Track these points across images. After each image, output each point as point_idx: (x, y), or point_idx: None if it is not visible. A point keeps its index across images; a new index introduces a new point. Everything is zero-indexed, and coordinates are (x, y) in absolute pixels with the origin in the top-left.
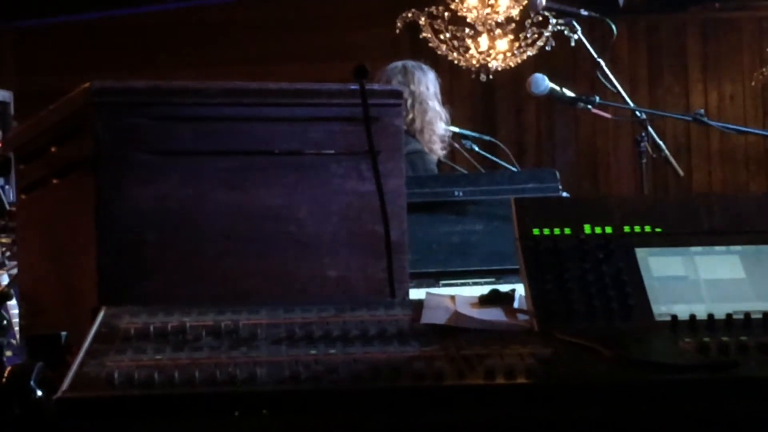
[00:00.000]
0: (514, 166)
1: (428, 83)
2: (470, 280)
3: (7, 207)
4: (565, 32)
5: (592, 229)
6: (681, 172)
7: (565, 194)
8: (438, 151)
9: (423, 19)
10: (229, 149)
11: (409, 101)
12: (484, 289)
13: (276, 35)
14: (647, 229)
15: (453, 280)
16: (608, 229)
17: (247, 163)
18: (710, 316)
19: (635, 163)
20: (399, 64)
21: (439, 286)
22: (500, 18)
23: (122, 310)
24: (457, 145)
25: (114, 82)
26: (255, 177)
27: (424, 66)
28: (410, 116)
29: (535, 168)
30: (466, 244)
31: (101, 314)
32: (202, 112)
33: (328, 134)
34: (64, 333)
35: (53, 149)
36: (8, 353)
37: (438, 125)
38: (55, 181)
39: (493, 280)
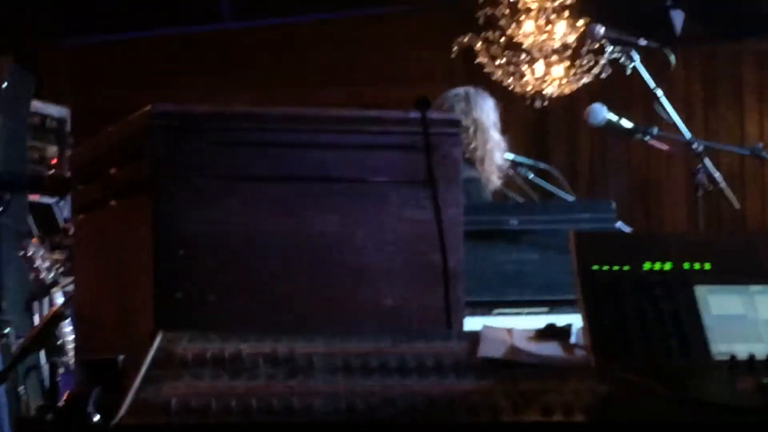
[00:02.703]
0: (568, 193)
1: (489, 111)
2: (524, 310)
3: (61, 225)
4: (621, 60)
5: (651, 266)
6: (737, 205)
7: (619, 224)
8: (495, 181)
9: (479, 44)
10: (288, 175)
11: (471, 129)
12: (538, 320)
13: (332, 57)
14: (707, 266)
15: (506, 310)
16: (667, 266)
17: (304, 190)
18: None
19: (688, 192)
20: (461, 90)
21: (492, 315)
22: (556, 44)
23: (179, 335)
24: (511, 173)
25: (174, 105)
26: (312, 203)
27: (484, 93)
28: (472, 145)
29: (588, 197)
30: (520, 274)
31: (158, 338)
32: (262, 137)
33: (387, 162)
34: (121, 357)
35: (112, 170)
36: (60, 370)
37: (497, 155)
38: (113, 202)
39: (546, 310)
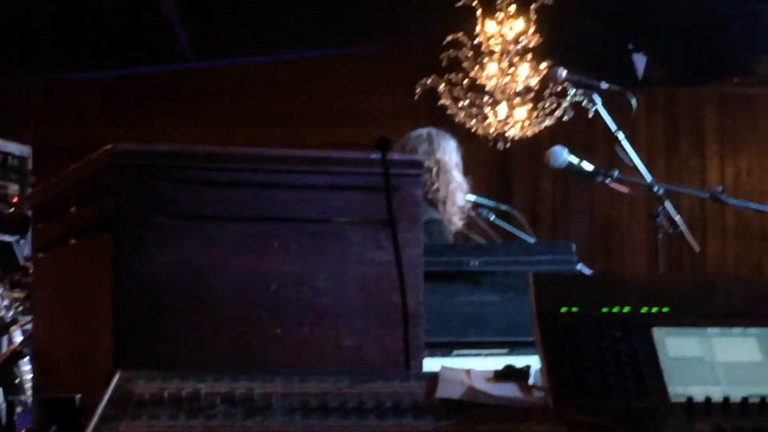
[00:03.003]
0: (529, 235)
1: (452, 152)
2: (484, 351)
3: (22, 263)
4: (584, 103)
5: (610, 308)
6: (697, 248)
7: (580, 266)
8: (457, 222)
9: (442, 86)
10: (249, 215)
11: (434, 170)
12: (498, 361)
13: (296, 97)
14: (664, 309)
15: (466, 351)
16: (625, 309)
17: (266, 230)
18: (726, 399)
19: (649, 235)
20: (424, 132)
21: (452, 357)
22: (519, 87)
23: (137, 374)
24: (473, 214)
25: (136, 144)
26: (273, 243)
27: (447, 134)
28: (435, 186)
29: (550, 239)
30: (480, 315)
31: (116, 378)
32: (223, 177)
33: (348, 202)
34: (78, 396)
35: (73, 209)
36: (18, 409)
37: (459, 196)
38: (73, 240)
39: (506, 351)
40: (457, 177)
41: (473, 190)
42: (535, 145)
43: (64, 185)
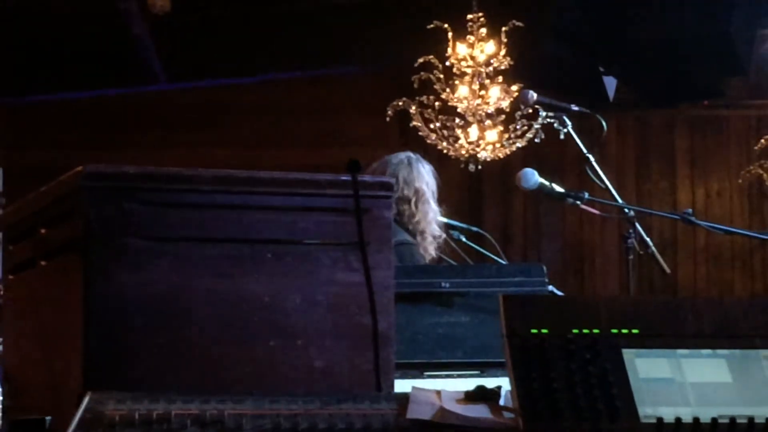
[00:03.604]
0: (501, 257)
1: (430, 180)
2: (455, 372)
3: None
4: (555, 125)
5: (580, 330)
6: (668, 270)
7: (551, 288)
8: (432, 251)
9: (413, 107)
10: (219, 237)
11: (413, 200)
12: (469, 382)
13: (267, 119)
14: (634, 330)
15: (437, 372)
16: (595, 330)
17: (235, 252)
18: (696, 419)
19: (621, 257)
20: (403, 157)
21: (423, 378)
22: (490, 109)
23: (107, 395)
24: (444, 237)
25: (106, 166)
26: (243, 265)
27: (422, 159)
28: (416, 218)
29: (521, 261)
30: (451, 336)
31: (86, 399)
32: (193, 199)
33: (318, 224)
34: (48, 418)
35: (43, 231)
36: None
37: (434, 225)
38: (43, 262)
39: (478, 372)
40: (433, 205)
41: (445, 212)
42: (506, 167)
43: (35, 206)
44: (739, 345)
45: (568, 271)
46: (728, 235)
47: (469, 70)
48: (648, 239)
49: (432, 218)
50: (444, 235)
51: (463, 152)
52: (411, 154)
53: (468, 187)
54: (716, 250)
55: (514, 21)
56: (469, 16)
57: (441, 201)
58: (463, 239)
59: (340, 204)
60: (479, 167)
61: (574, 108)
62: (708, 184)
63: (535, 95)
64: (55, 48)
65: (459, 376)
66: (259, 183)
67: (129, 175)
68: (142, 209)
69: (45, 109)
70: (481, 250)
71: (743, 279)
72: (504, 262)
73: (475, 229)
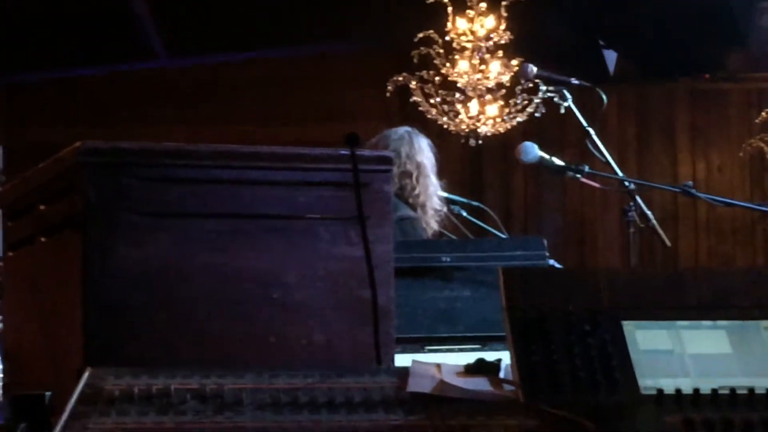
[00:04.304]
0: (501, 232)
1: (429, 154)
2: (456, 347)
3: None
4: (555, 100)
5: (580, 303)
6: (668, 243)
7: (552, 262)
8: (434, 224)
9: (414, 83)
10: (218, 212)
11: (415, 174)
12: (470, 356)
13: (267, 96)
14: (634, 303)
15: (438, 346)
16: (595, 303)
17: (235, 226)
18: (696, 391)
19: (622, 231)
20: (402, 132)
21: (424, 352)
22: (491, 84)
23: (107, 371)
24: (445, 210)
25: (104, 142)
26: (243, 240)
27: (422, 134)
28: (417, 191)
29: (522, 235)
30: (452, 311)
31: (86, 375)
32: (192, 174)
33: (317, 199)
34: (48, 393)
35: (42, 207)
36: None
37: (435, 199)
38: (42, 239)
39: (478, 346)
40: (434, 179)
41: (446, 186)
42: (507, 142)
43: (34, 184)
44: (739, 316)
45: (569, 245)
46: (729, 207)
47: (469, 45)
48: (649, 212)
49: (433, 192)
50: (445, 209)
51: (464, 127)
52: (410, 129)
53: (469, 161)
54: (717, 223)
55: None
56: None
57: (442, 176)
58: (464, 214)
59: (339, 178)
60: (480, 142)
61: (574, 81)
62: (709, 157)
63: (534, 69)
64: (55, 25)
65: (460, 350)
66: (258, 158)
67: (127, 150)
68: (141, 185)
69: (45, 86)
70: (482, 224)
71: (744, 252)
72: (505, 236)
73: (475, 203)
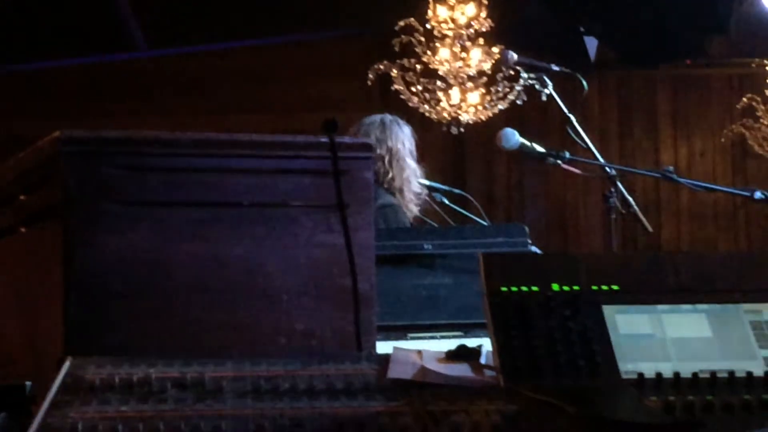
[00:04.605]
0: (483, 219)
1: (404, 139)
2: (438, 334)
3: None
4: (536, 87)
5: (560, 287)
6: (650, 229)
7: (534, 249)
8: (414, 209)
9: (395, 71)
10: (198, 200)
11: (387, 158)
12: (452, 343)
13: (248, 85)
14: (614, 287)
15: (421, 334)
16: (576, 287)
17: (215, 215)
18: (676, 374)
19: (605, 217)
20: (376, 118)
21: (407, 339)
22: (472, 71)
23: (88, 360)
24: (427, 198)
25: (83, 131)
26: (223, 228)
27: (400, 121)
28: (390, 175)
29: (504, 222)
30: (434, 298)
31: (66, 364)
32: (172, 162)
33: (298, 186)
34: (28, 383)
35: (22, 197)
36: None
37: (414, 183)
38: (23, 229)
39: (461, 334)
40: (411, 164)
41: (428, 174)
42: (488, 129)
43: (13, 173)
44: (718, 300)
45: (552, 232)
46: (711, 193)
47: (450, 33)
48: (630, 198)
49: (408, 176)
50: (425, 192)
51: (445, 115)
52: (387, 116)
53: (451, 149)
54: (699, 209)
55: None
56: None
57: (424, 164)
58: (446, 201)
59: (319, 166)
60: (461, 130)
61: (555, 68)
62: (691, 143)
63: (515, 56)
64: (36, 16)
65: (442, 337)
66: (238, 146)
67: (107, 139)
68: (121, 174)
69: (27, 78)
70: (464, 212)
71: (727, 237)
72: (486, 224)
73: (457, 191)
